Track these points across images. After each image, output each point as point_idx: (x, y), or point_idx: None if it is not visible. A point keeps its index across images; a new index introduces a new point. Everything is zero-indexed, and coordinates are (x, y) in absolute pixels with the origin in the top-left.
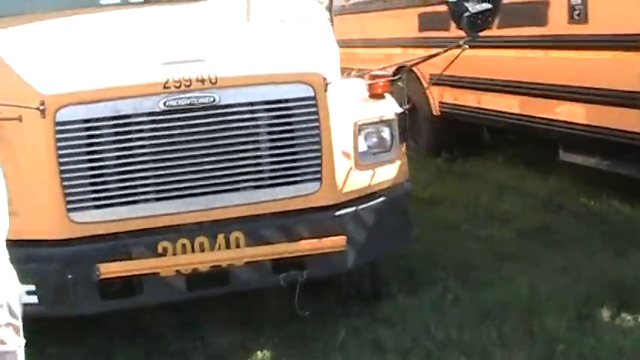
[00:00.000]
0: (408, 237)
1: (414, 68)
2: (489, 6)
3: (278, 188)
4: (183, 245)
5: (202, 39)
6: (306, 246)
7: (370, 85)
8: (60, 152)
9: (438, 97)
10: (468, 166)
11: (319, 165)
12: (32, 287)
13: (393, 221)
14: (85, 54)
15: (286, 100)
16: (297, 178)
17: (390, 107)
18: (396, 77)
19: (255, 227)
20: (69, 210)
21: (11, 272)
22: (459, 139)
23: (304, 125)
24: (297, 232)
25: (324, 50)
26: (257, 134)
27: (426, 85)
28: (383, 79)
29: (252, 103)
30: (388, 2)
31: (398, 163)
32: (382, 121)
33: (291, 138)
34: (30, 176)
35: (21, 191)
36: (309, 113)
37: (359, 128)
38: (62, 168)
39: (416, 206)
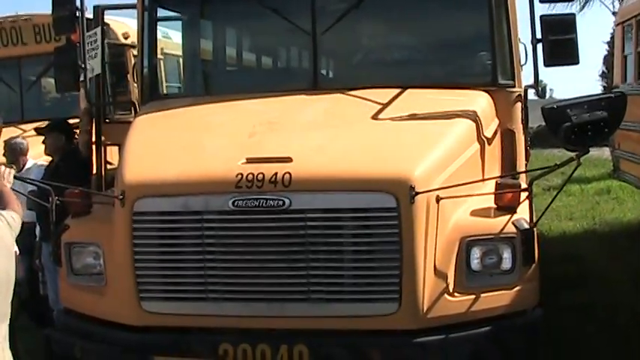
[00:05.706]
0: None
1: None
2: (604, 115)
3: (351, 304)
4: (244, 351)
5: (304, 135)
6: None
7: (497, 196)
8: (135, 241)
9: None
10: None
11: (397, 284)
12: None
13: (500, 357)
14: (183, 144)
15: (363, 210)
16: (372, 296)
17: (515, 222)
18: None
19: (321, 343)
20: (141, 298)
21: None
22: None
23: (382, 239)
24: (367, 355)
25: (441, 154)
26: (329, 244)
27: None
28: (512, 190)
29: (325, 210)
30: None
31: (519, 287)
32: (501, 239)
33: (368, 251)
34: (116, 261)
35: (110, 275)
36: (388, 226)
37: (467, 245)
38: (136, 257)
39: None
